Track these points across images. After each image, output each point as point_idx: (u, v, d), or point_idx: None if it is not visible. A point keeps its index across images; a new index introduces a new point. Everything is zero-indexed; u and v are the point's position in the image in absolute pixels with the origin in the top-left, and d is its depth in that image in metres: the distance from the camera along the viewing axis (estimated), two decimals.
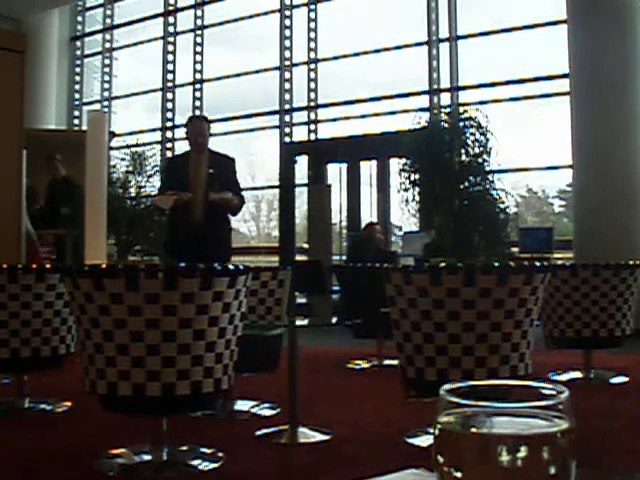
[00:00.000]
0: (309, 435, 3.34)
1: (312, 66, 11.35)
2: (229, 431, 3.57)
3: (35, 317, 3.71)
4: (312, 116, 11.39)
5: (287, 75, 11.50)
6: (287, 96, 11.49)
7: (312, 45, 11.34)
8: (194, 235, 5.03)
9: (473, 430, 0.49)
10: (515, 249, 8.67)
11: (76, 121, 13.46)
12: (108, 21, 13.40)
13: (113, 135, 10.55)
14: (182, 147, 12.55)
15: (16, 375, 4.10)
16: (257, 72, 11.87)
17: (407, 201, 8.80)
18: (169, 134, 12.57)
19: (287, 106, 11.48)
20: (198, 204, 5.04)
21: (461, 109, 9.14)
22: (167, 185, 5.22)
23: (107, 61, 13.38)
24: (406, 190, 8.78)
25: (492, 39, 10.01)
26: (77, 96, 13.53)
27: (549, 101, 9.64)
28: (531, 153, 10.70)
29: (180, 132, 12.62)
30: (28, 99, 6.99)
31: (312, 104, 11.34)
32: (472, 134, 8.57)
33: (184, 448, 3.10)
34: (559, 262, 7.53)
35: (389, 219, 10.35)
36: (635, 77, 7.66)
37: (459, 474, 0.49)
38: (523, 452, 0.48)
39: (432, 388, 2.81)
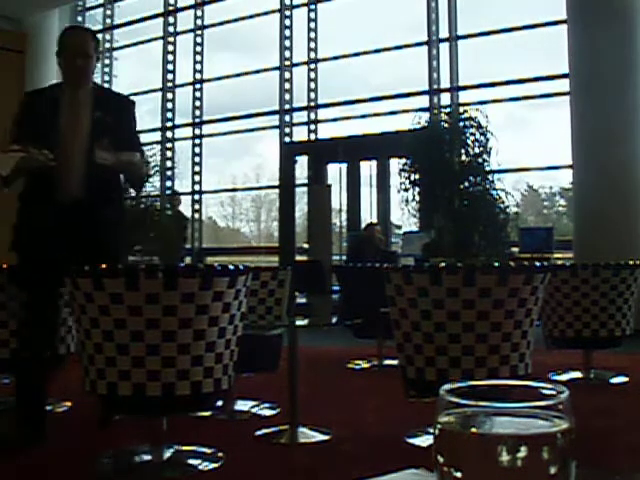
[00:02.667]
0: (309, 435, 3.34)
1: (312, 66, 11.34)
2: (229, 431, 3.57)
3: None
4: (312, 116, 11.39)
5: (287, 75, 11.50)
6: (287, 96, 11.49)
7: (312, 45, 11.33)
8: (65, 224, 3.21)
9: (473, 430, 0.49)
10: (515, 249, 8.67)
11: None
12: (108, 21, 13.40)
13: None
14: (183, 147, 12.56)
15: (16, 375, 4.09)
16: (257, 72, 11.87)
17: (407, 201, 8.80)
18: (169, 134, 12.57)
19: (287, 106, 11.47)
20: (74, 169, 3.21)
21: (461, 109, 9.14)
22: (19, 134, 3.24)
23: (107, 61, 13.38)
24: (406, 190, 8.77)
25: (492, 39, 10.02)
26: None
27: (549, 101, 9.64)
28: (531, 153, 10.72)
29: (181, 132, 12.62)
30: None
31: (312, 104, 11.33)
32: (472, 134, 8.57)
33: (184, 448, 3.10)
34: (559, 262, 7.54)
35: (389, 219, 10.36)
36: (635, 77, 7.66)
37: (459, 474, 0.49)
38: (523, 452, 0.48)
39: (432, 388, 2.81)
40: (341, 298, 6.95)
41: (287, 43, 11.52)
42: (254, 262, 9.97)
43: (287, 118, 11.46)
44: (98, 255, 3.12)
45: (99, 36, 13.42)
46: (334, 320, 4.60)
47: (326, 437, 3.32)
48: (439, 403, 0.51)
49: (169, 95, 12.54)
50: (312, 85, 11.33)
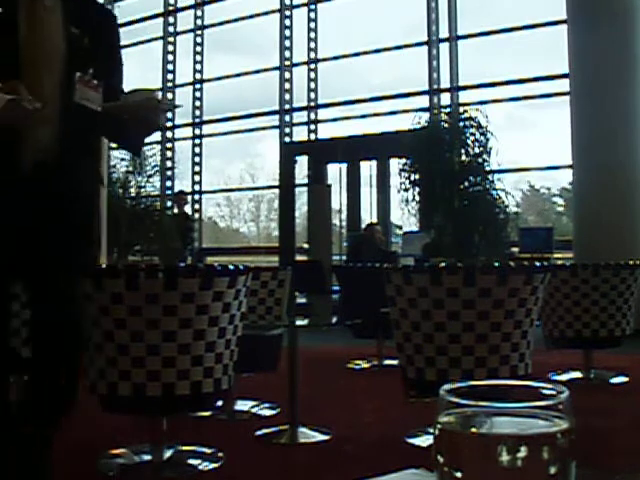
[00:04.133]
0: (309, 435, 3.34)
1: (312, 66, 11.35)
2: (229, 431, 3.57)
3: None
4: (312, 116, 11.39)
5: (287, 75, 11.50)
6: (287, 96, 11.49)
7: (312, 45, 11.34)
8: (25, 201, 2.16)
9: (473, 430, 0.49)
10: (515, 249, 8.67)
11: None
12: None
13: None
14: (183, 148, 12.56)
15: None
16: (257, 72, 11.88)
17: (407, 201, 8.80)
18: (169, 134, 12.57)
19: (287, 106, 11.47)
20: (43, 115, 2.05)
21: (461, 109, 9.15)
22: None
23: None
24: (406, 190, 8.78)
25: (492, 39, 10.02)
26: None
27: (549, 101, 9.64)
28: (531, 153, 10.74)
29: (181, 132, 12.62)
30: None
31: (312, 104, 11.33)
32: (472, 134, 8.58)
33: (184, 448, 3.10)
34: (559, 262, 7.53)
35: (389, 219, 10.36)
36: (635, 77, 7.65)
37: (459, 474, 0.50)
38: (523, 452, 0.48)
39: (432, 388, 2.81)
40: (341, 298, 6.95)
41: (287, 43, 11.53)
42: (254, 262, 9.98)
43: (287, 118, 11.46)
44: (67, 239, 2.27)
45: None
46: (334, 320, 4.60)
47: (326, 437, 3.32)
48: (439, 403, 0.51)
49: (169, 95, 12.54)
50: (312, 85, 11.33)
